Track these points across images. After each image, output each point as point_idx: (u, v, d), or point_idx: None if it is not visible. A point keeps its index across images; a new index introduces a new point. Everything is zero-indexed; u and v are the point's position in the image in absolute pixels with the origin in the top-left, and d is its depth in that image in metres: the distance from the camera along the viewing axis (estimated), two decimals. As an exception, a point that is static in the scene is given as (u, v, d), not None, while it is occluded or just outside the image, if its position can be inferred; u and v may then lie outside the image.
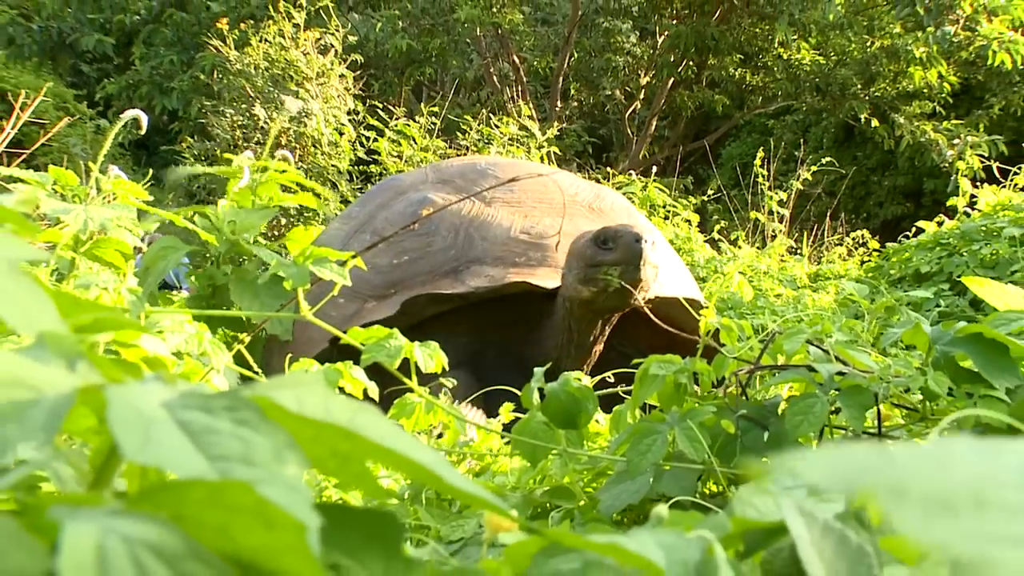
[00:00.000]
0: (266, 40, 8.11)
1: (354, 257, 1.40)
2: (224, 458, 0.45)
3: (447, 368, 1.50)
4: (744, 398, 1.51)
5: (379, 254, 2.85)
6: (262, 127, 7.81)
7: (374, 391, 1.54)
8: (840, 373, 1.50)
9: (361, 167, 8.35)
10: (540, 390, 1.41)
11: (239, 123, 7.93)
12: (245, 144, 7.94)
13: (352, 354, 1.61)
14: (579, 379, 1.47)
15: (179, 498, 0.43)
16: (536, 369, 1.44)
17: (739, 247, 7.00)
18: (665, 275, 2.88)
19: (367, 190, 4.01)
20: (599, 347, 2.72)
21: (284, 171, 3.02)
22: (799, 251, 7.77)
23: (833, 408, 1.48)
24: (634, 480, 1.43)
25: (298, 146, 7.92)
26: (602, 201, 3.17)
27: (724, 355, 1.51)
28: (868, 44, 11.73)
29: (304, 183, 2.75)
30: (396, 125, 8.16)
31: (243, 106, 7.92)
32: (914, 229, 5.85)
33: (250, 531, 0.42)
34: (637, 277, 2.39)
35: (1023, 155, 5.86)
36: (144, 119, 2.44)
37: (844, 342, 1.60)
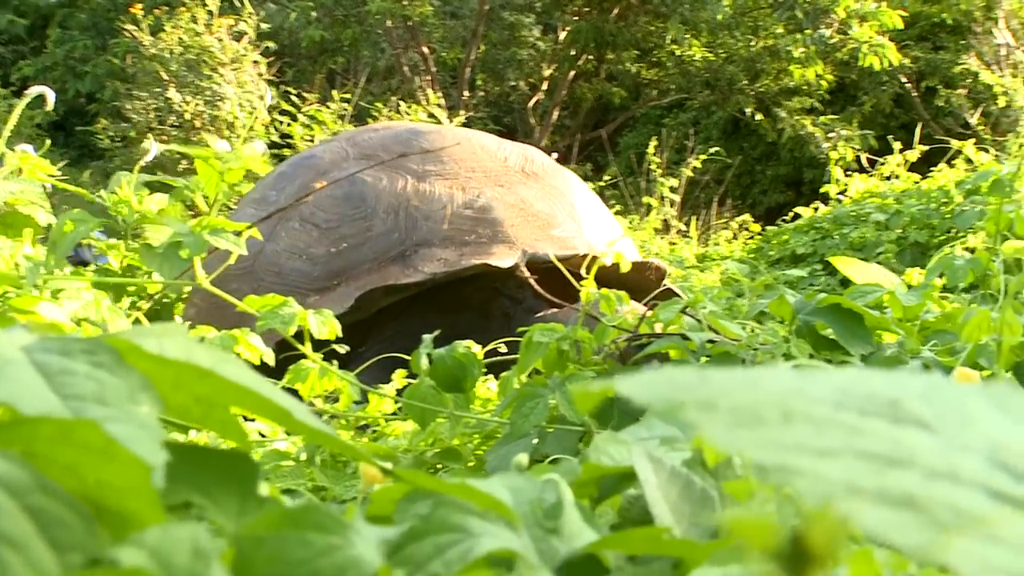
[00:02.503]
0: (180, 26, 7.92)
1: (250, 227, 1.38)
2: (78, 398, 0.44)
3: (340, 336, 1.48)
4: (622, 364, 1.53)
5: (314, 244, 2.57)
6: (176, 110, 7.63)
7: (270, 357, 1.52)
8: (711, 341, 1.52)
9: (274, 151, 8.22)
10: (428, 356, 1.40)
11: (153, 106, 7.74)
12: (160, 127, 7.76)
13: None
14: (468, 346, 1.47)
15: (30, 435, 0.42)
16: (424, 336, 1.43)
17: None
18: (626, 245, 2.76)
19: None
20: None
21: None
22: (688, 234, 7.89)
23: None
24: (519, 442, 1.43)
25: (213, 129, 7.77)
26: (533, 164, 2.89)
27: (604, 324, 1.53)
28: (753, 43, 11.93)
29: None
30: (309, 111, 8.05)
31: (157, 90, 7.73)
32: (792, 214, 5.99)
33: (98, 469, 0.41)
34: None
35: (890, 148, 6.02)
36: (51, 96, 2.35)
37: (716, 312, 1.63)
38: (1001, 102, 9.24)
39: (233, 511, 0.47)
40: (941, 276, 1.85)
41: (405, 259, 2.49)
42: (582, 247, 2.55)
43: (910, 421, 0.33)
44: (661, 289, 1.99)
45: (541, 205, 2.69)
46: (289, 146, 7.93)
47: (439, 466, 1.55)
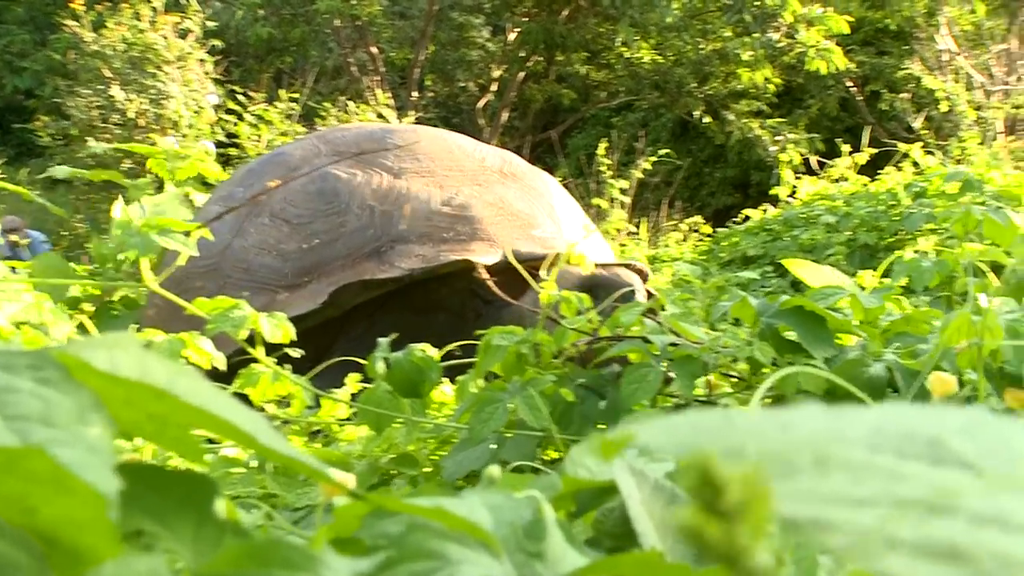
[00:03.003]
0: (124, 22, 7.77)
1: (200, 228, 1.33)
2: (23, 418, 0.40)
3: (295, 339, 1.44)
4: (582, 367, 1.50)
5: (285, 239, 2.48)
6: (119, 108, 7.48)
7: (220, 361, 1.47)
8: (673, 344, 1.50)
9: (220, 150, 8.10)
10: (385, 359, 1.37)
11: (96, 104, 7.58)
12: (103, 124, 7.61)
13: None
14: (424, 350, 1.43)
15: (-30, 464, 0.38)
16: (380, 340, 1.39)
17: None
18: (595, 244, 2.70)
19: (235, 170, 3.55)
20: None
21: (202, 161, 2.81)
22: (638, 235, 7.91)
23: (667, 377, 1.48)
24: (476, 447, 1.40)
25: (157, 127, 7.63)
26: (511, 165, 2.82)
27: (564, 327, 1.50)
28: (702, 46, 12.02)
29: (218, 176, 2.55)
30: (256, 110, 7.94)
31: (100, 87, 7.57)
32: (742, 216, 6.02)
33: (50, 502, 0.37)
34: None
35: (837, 151, 6.09)
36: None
37: (677, 315, 1.61)
38: (944, 106, 9.40)
39: (188, 537, 0.43)
40: (907, 278, 1.85)
41: (381, 255, 2.42)
42: (562, 248, 2.51)
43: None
44: (627, 289, 1.96)
45: (521, 205, 2.64)
46: (236, 145, 7.82)
47: (394, 472, 1.52)
